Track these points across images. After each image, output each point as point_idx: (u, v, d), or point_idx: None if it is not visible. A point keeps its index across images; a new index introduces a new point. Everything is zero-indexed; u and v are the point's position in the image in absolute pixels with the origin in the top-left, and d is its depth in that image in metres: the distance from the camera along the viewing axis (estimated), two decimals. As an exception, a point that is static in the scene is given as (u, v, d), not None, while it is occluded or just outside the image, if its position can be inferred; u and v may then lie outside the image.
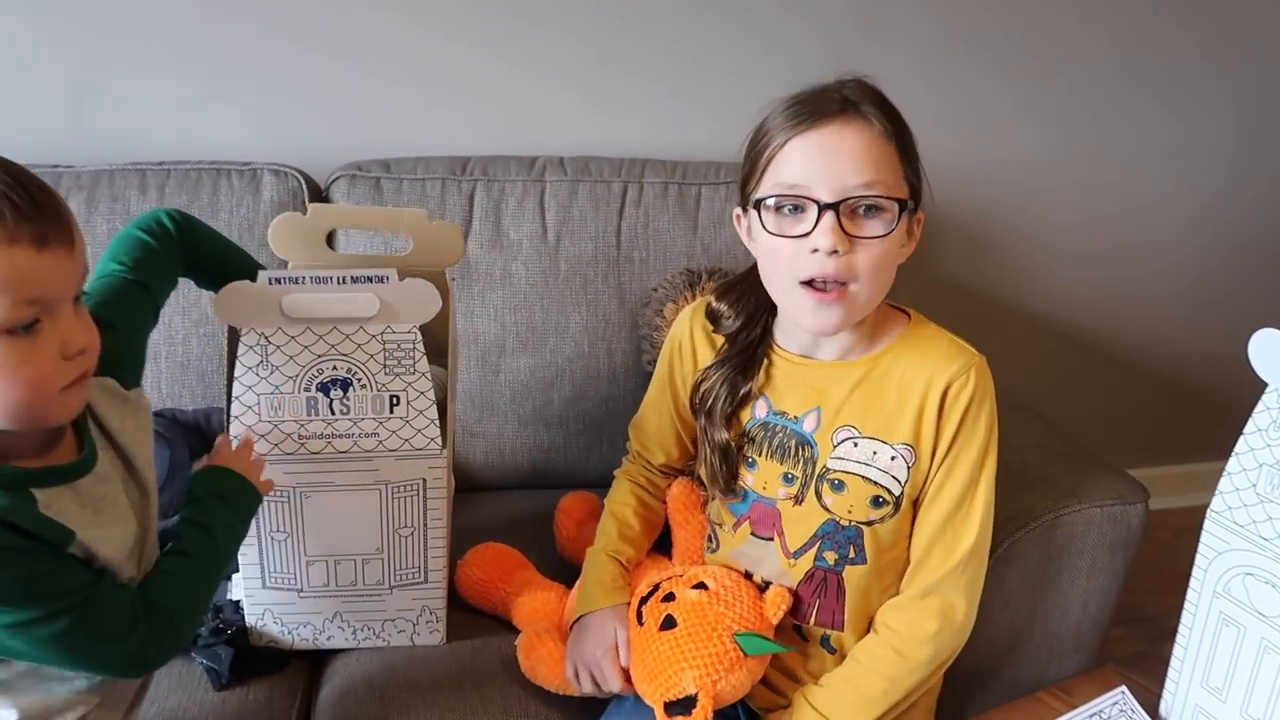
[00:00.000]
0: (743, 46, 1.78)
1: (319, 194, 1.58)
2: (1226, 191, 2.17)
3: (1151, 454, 2.25)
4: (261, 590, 1.17)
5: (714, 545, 1.15)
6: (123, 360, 0.94)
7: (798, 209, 0.97)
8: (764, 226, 0.99)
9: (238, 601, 1.21)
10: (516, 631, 1.23)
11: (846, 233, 0.95)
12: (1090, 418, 2.18)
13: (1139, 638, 1.79)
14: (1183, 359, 2.23)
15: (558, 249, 1.57)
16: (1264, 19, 2.06)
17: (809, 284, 0.98)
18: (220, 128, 1.65)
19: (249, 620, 1.19)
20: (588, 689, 1.08)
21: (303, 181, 1.56)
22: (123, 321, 0.96)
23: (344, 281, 1.07)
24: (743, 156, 1.03)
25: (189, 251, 1.08)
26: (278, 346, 1.08)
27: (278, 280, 1.07)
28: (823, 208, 0.95)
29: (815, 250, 0.96)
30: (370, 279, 1.07)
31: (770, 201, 0.98)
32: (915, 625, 1.04)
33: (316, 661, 1.25)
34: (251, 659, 1.18)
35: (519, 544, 1.43)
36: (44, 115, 1.60)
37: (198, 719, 1.11)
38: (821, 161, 0.95)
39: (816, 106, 0.97)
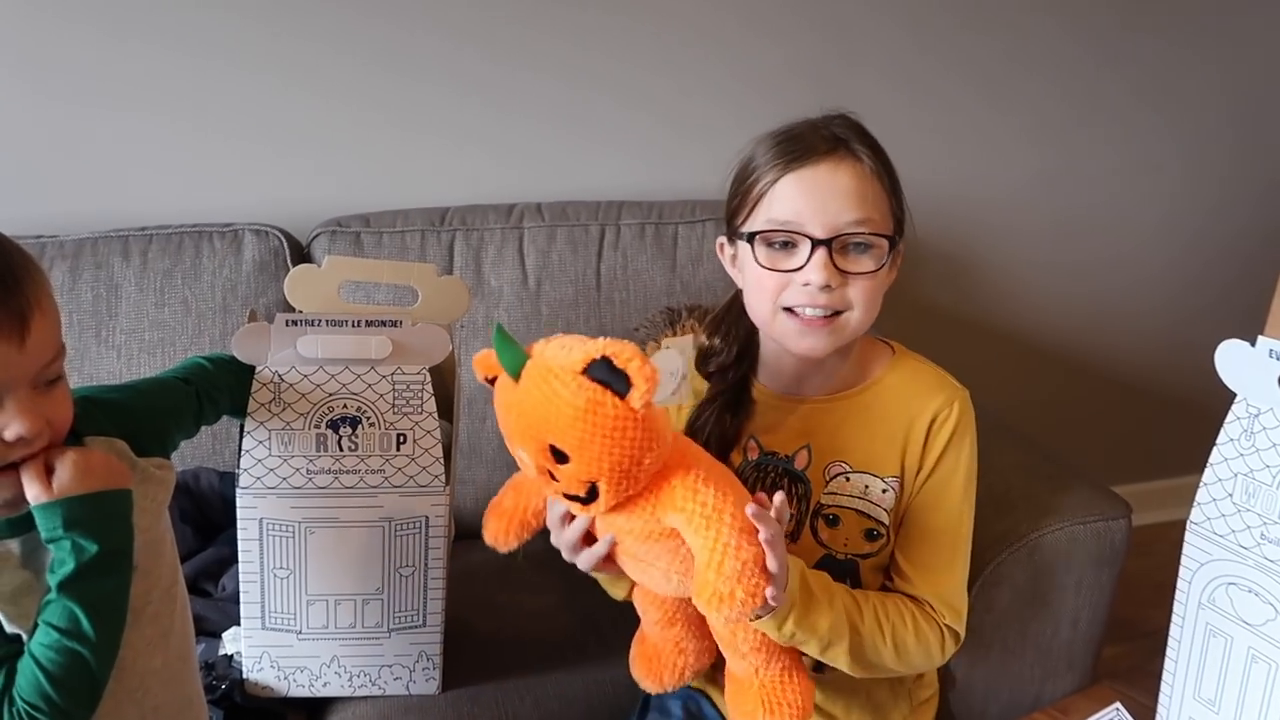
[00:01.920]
0: (718, 87, 1.80)
1: (300, 251, 1.60)
2: (1202, 206, 2.20)
3: (1145, 469, 2.26)
4: (261, 631, 1.18)
5: None
6: (135, 429, 0.93)
7: (790, 244, 0.99)
8: (756, 260, 1.01)
9: (230, 656, 1.21)
10: (514, 677, 1.24)
11: (838, 268, 0.97)
12: (1077, 435, 2.18)
13: (1141, 653, 1.79)
14: (1167, 373, 2.25)
15: (539, 294, 1.59)
16: (1244, 37, 2.11)
17: (791, 310, 1.00)
18: (200, 190, 1.67)
19: (246, 665, 1.19)
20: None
21: (284, 240, 1.58)
22: (144, 399, 0.99)
23: (359, 324, 1.12)
24: (729, 189, 1.05)
25: (239, 375, 1.12)
26: (291, 385, 1.12)
27: (295, 322, 1.11)
28: (815, 244, 0.97)
29: (807, 284, 0.98)
30: (384, 323, 1.12)
31: (763, 236, 1.00)
32: (924, 619, 1.04)
33: (313, 715, 1.24)
34: (247, 716, 1.18)
35: (516, 590, 1.43)
36: (25, 186, 1.61)
37: (194, 781, 1.10)
38: (815, 199, 0.97)
39: (807, 144, 0.99)
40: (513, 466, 1.55)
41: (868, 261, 0.99)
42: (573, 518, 0.95)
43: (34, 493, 0.82)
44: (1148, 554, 1.74)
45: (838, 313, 0.99)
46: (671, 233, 1.65)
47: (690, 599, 0.90)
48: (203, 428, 1.45)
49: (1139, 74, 2.07)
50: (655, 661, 1.05)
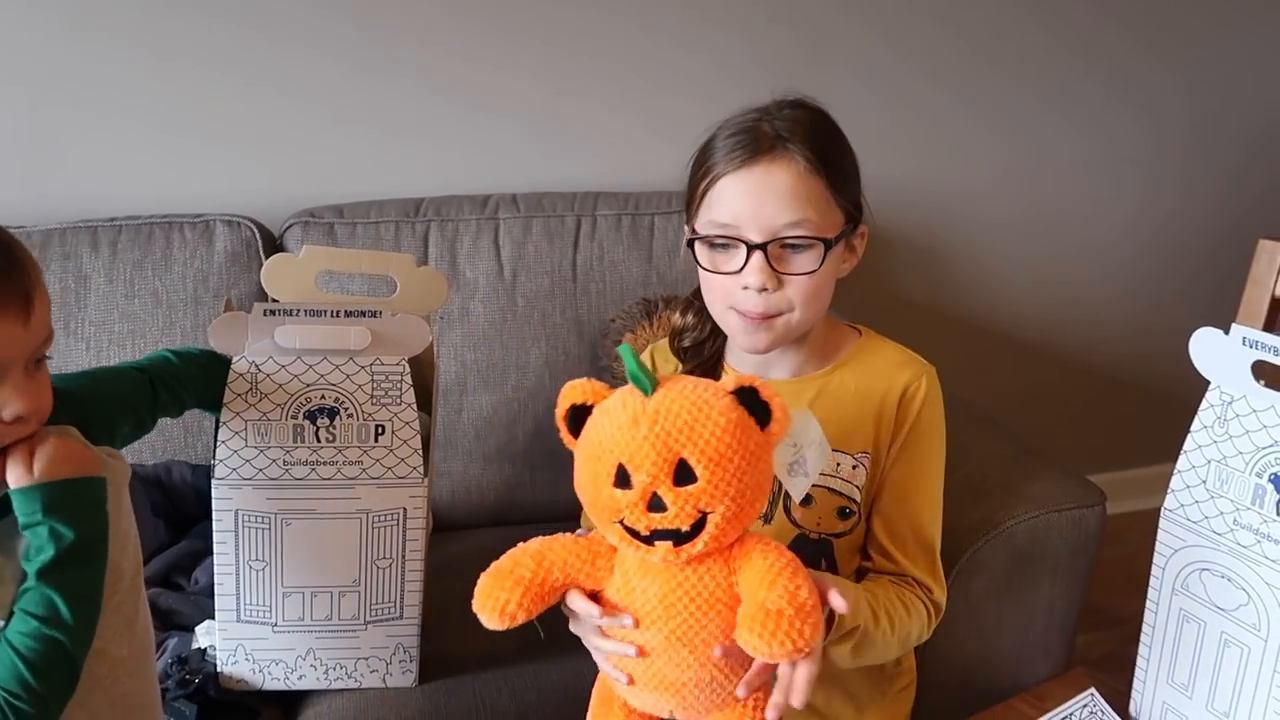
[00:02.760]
0: (692, 78, 1.80)
1: (273, 242, 1.59)
2: (1169, 198, 2.22)
3: (1117, 458, 2.28)
4: (236, 624, 1.16)
5: None
6: (84, 416, 0.93)
7: (730, 247, 1.00)
8: (698, 261, 1.03)
9: (203, 650, 1.20)
10: (490, 669, 1.23)
11: (775, 270, 0.98)
12: (1051, 425, 2.20)
13: (1115, 640, 1.81)
14: (1138, 362, 2.27)
15: (514, 285, 1.58)
16: (1212, 29, 2.13)
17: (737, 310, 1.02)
18: (170, 180, 1.65)
19: (221, 659, 1.18)
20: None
21: (256, 231, 1.56)
22: (92, 386, 0.98)
23: (337, 315, 1.11)
24: (687, 176, 1.05)
25: (208, 369, 1.11)
26: (268, 375, 1.11)
27: (273, 312, 1.10)
28: (751, 248, 0.98)
29: (745, 287, 0.99)
30: (364, 313, 1.11)
31: (703, 239, 1.02)
32: (912, 599, 1.05)
33: (288, 709, 1.23)
34: (221, 710, 1.17)
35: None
36: (-7, 176, 1.59)
37: (167, 776, 1.09)
38: (750, 202, 0.98)
39: (749, 141, 0.99)
40: (490, 458, 1.58)
41: (805, 262, 0.99)
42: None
43: (16, 475, 0.83)
44: (1121, 543, 1.76)
45: (779, 313, 1.01)
46: (648, 224, 1.64)
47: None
48: (173, 420, 1.46)
49: (1107, 69, 2.09)
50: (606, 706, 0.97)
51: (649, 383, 0.82)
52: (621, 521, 0.82)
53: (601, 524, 0.85)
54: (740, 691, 0.86)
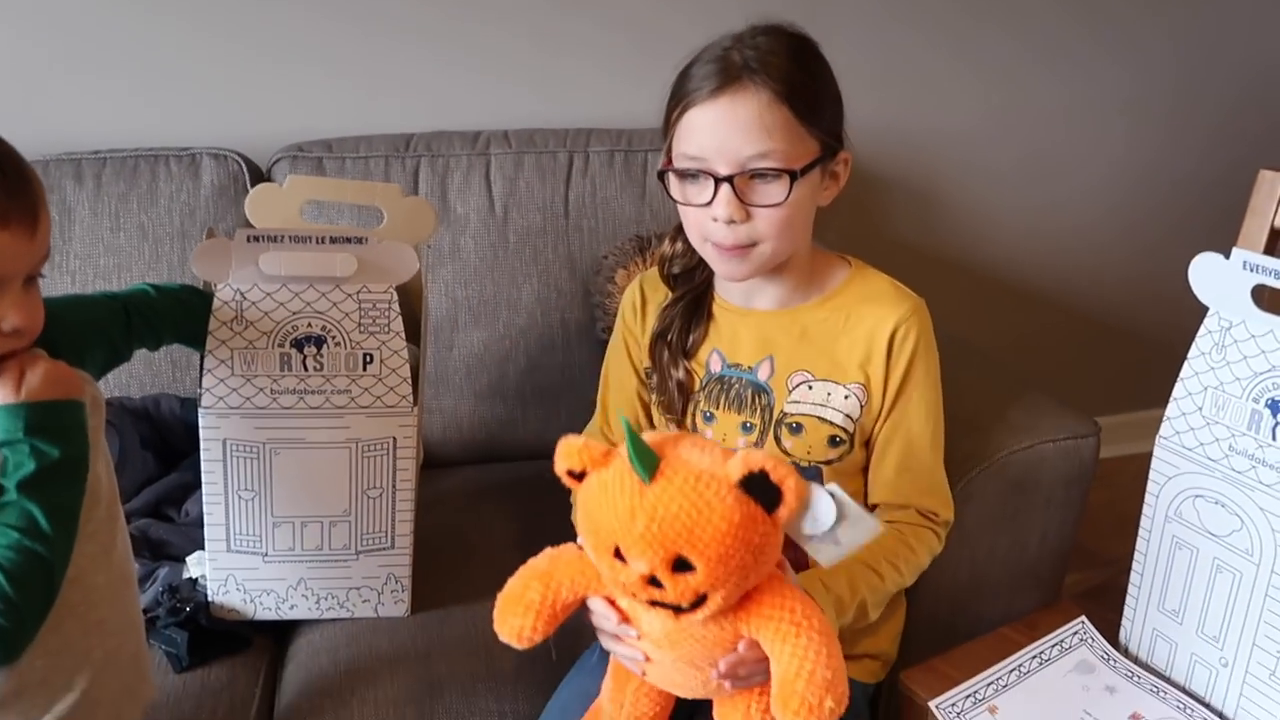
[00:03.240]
0: (688, 15, 1.77)
1: (260, 176, 1.56)
2: (1159, 136, 2.21)
3: (1107, 402, 2.28)
4: (226, 554, 1.16)
5: None
6: (50, 338, 0.92)
7: (700, 179, 1.00)
8: (669, 193, 1.04)
9: (194, 579, 1.20)
10: (483, 600, 1.22)
11: (743, 202, 0.98)
12: (1043, 368, 2.20)
13: (1102, 578, 1.82)
14: (1130, 305, 2.27)
15: (506, 221, 1.57)
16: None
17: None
18: (157, 114, 1.62)
19: (211, 589, 1.18)
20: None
21: (243, 164, 1.54)
22: (61, 310, 0.95)
23: (323, 241, 1.09)
24: (665, 104, 1.04)
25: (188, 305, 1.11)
26: (253, 303, 1.10)
27: (256, 238, 1.08)
28: (719, 180, 0.98)
29: (715, 219, 0.99)
30: (349, 240, 1.09)
31: (674, 171, 1.02)
32: (918, 533, 1.08)
33: (280, 639, 1.23)
34: (213, 639, 1.16)
35: (484, 516, 1.43)
36: (-27, 107, 1.56)
37: (158, 703, 1.08)
38: (716, 135, 0.98)
39: (718, 70, 0.98)
40: (481, 395, 1.57)
41: (774, 193, 0.98)
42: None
43: (4, 393, 0.82)
44: (1110, 486, 1.76)
45: (751, 244, 1.01)
46: (641, 160, 1.62)
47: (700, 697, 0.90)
48: (161, 354, 1.45)
49: (1094, 11, 2.06)
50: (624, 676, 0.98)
51: (646, 470, 0.78)
52: (623, 584, 0.82)
53: (606, 580, 0.86)
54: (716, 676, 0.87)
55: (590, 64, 1.77)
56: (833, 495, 0.82)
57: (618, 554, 0.80)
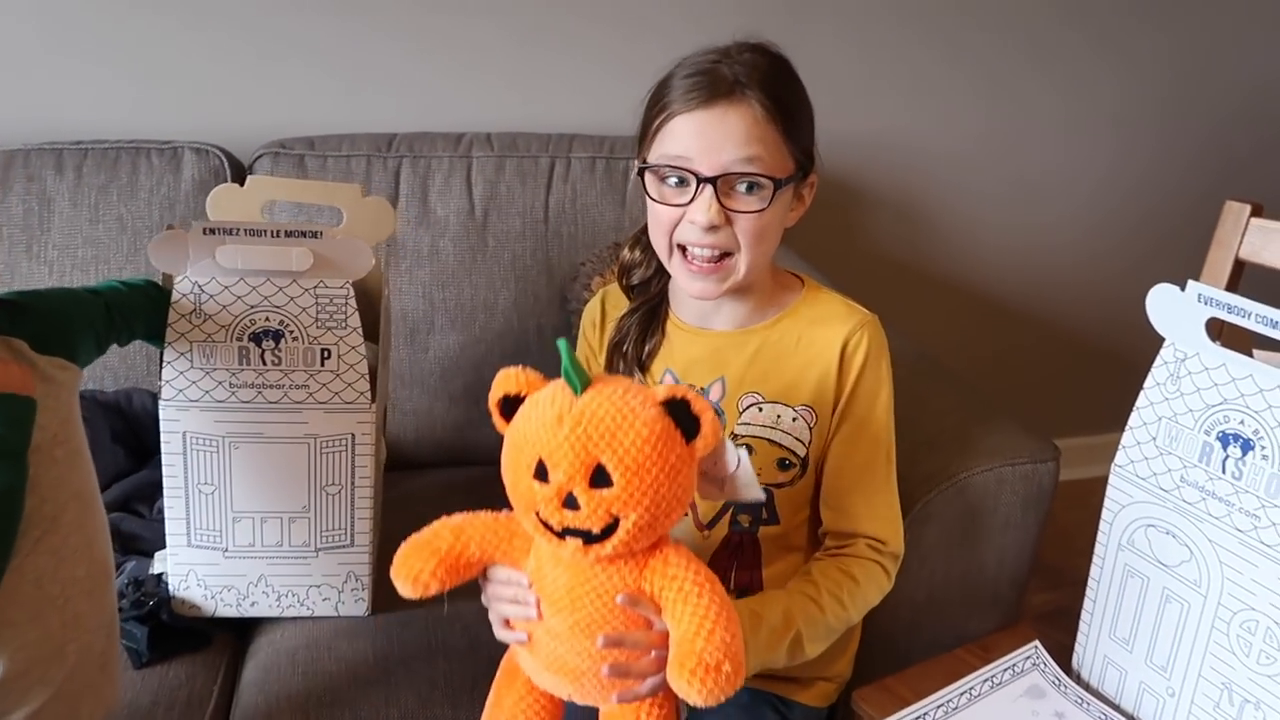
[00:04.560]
0: (668, 20, 1.78)
1: (242, 172, 1.57)
2: (1144, 159, 2.21)
3: (1087, 423, 2.29)
4: (186, 549, 1.17)
5: None
6: (36, 330, 0.92)
7: (682, 181, 1.00)
8: (646, 191, 1.03)
9: (160, 575, 1.20)
10: (441, 603, 1.24)
11: (725, 207, 0.98)
12: (1023, 387, 2.22)
13: (1070, 599, 1.83)
14: (1111, 326, 2.27)
15: (485, 225, 1.57)
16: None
17: (684, 251, 1.02)
18: (140, 106, 1.63)
19: (173, 583, 1.19)
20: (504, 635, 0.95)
21: (225, 160, 1.54)
22: (45, 302, 0.97)
23: (278, 235, 1.10)
24: (642, 111, 1.04)
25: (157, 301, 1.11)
26: (211, 295, 1.11)
27: (213, 231, 1.09)
28: (702, 181, 0.98)
29: (694, 222, 0.99)
30: (305, 234, 1.10)
31: (654, 170, 1.01)
32: (865, 567, 1.06)
33: (242, 635, 1.24)
34: (174, 635, 1.17)
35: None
36: (-44, 95, 1.57)
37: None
38: (705, 139, 0.98)
39: (708, 83, 0.98)
40: (455, 398, 1.58)
41: (754, 201, 0.99)
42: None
43: None
44: (1084, 506, 1.77)
45: (726, 255, 1.01)
46: (622, 168, 1.63)
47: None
48: (134, 348, 1.45)
49: (1089, 26, 2.06)
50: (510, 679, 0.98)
51: (580, 382, 0.82)
52: (537, 513, 0.83)
53: (519, 512, 0.86)
54: (606, 671, 0.87)
55: (576, 68, 1.78)
56: (739, 451, 0.89)
57: (539, 475, 0.81)
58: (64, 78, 1.59)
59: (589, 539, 0.82)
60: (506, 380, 0.87)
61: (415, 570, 0.89)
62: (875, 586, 1.06)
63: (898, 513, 1.08)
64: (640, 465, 0.80)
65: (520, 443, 0.84)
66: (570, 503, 0.81)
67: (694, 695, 0.80)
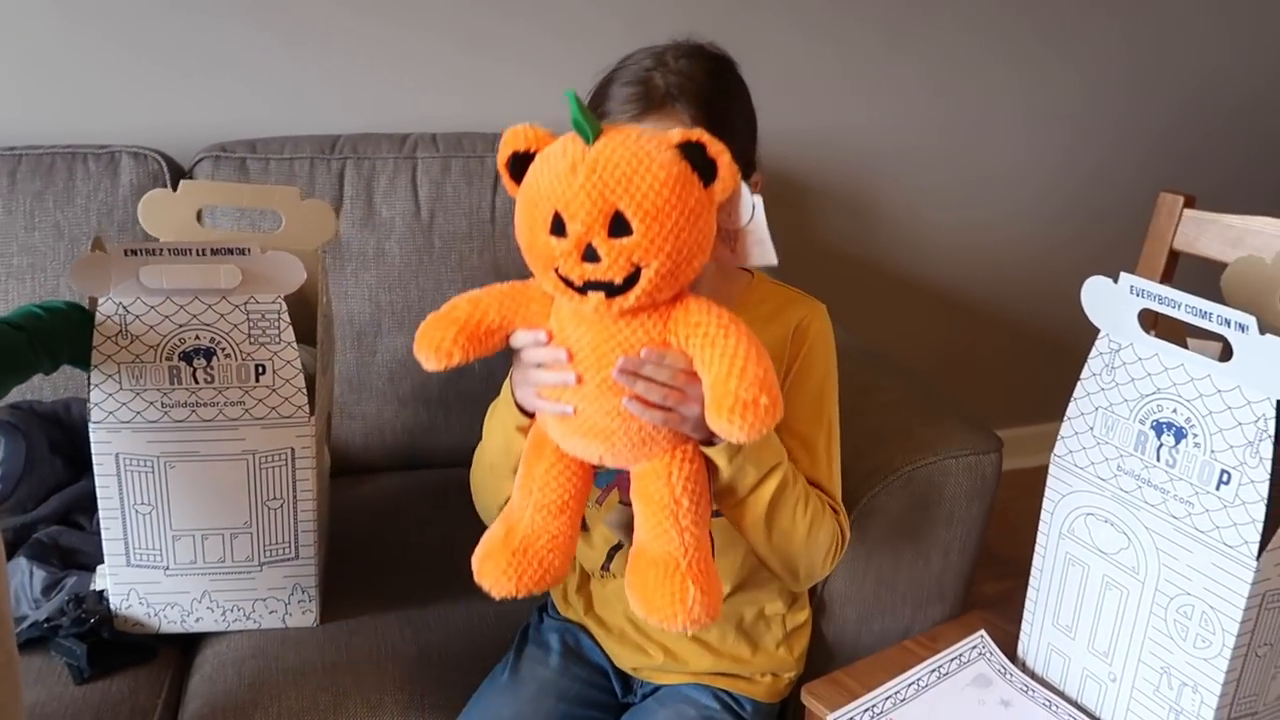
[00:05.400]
0: (611, 20, 1.78)
1: (181, 176, 1.54)
2: (1098, 153, 2.24)
3: (1041, 412, 2.31)
4: (126, 568, 1.15)
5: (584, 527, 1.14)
6: None
7: None
8: None
9: (101, 591, 1.18)
10: (394, 610, 1.23)
11: None
12: (976, 379, 2.24)
13: (1020, 588, 1.86)
14: (1064, 318, 2.28)
15: (431, 226, 1.56)
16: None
17: None
18: (77, 111, 1.60)
19: (114, 603, 1.17)
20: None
21: (163, 164, 1.52)
22: None
23: (204, 253, 1.07)
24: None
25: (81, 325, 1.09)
26: (137, 316, 1.08)
27: (134, 251, 1.06)
28: None
29: None
30: (231, 251, 1.07)
31: None
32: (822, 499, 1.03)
33: (186, 649, 1.22)
34: (116, 650, 1.15)
35: (403, 523, 1.43)
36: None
37: (56, 714, 1.08)
38: None
39: (641, 95, 0.97)
40: (404, 401, 1.56)
41: None
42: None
43: None
44: (1035, 495, 1.80)
45: None
46: (569, 167, 1.62)
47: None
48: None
49: (1037, 25, 2.09)
50: (520, 557, 0.92)
51: (591, 131, 0.80)
52: (556, 270, 0.81)
53: (538, 271, 0.84)
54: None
55: (519, 67, 1.77)
56: (755, 198, 0.86)
57: (555, 230, 0.80)
58: (-4, 82, 1.56)
59: (611, 291, 0.81)
60: (515, 138, 0.85)
61: (436, 340, 0.87)
62: (828, 530, 1.02)
63: (838, 479, 1.06)
64: (660, 210, 0.79)
65: (534, 198, 0.82)
66: (590, 255, 0.79)
67: (736, 433, 0.80)
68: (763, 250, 0.88)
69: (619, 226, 0.79)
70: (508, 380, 1.00)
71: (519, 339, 0.89)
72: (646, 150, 0.79)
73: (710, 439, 0.90)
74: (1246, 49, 2.29)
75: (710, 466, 0.93)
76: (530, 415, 0.95)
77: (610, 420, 0.86)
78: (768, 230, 0.87)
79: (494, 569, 0.92)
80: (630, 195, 0.78)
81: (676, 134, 0.81)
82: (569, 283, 0.81)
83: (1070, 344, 2.26)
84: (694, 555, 0.88)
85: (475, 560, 0.94)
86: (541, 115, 1.72)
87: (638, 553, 0.91)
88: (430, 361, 0.88)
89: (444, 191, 1.57)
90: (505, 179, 0.86)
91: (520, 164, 0.85)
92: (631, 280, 0.80)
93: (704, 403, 0.82)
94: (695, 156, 0.80)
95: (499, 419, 1.01)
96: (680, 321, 0.84)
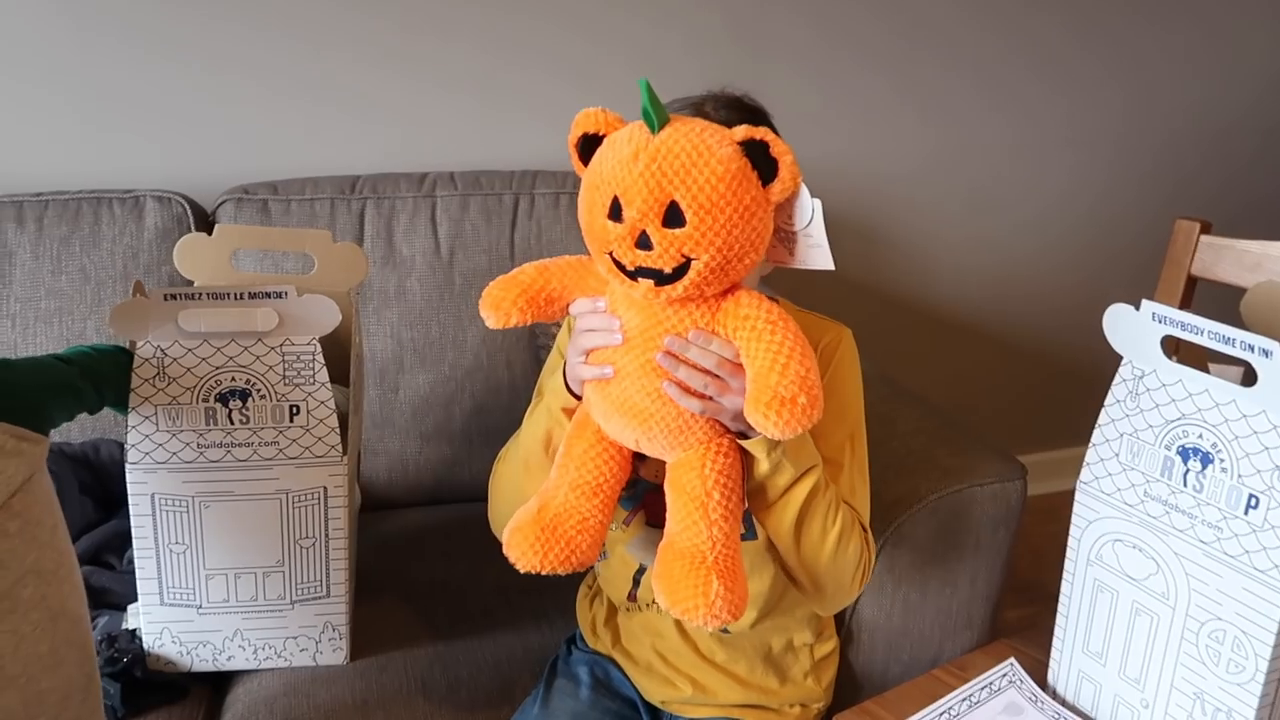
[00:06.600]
0: (624, 59, 1.80)
1: (205, 219, 1.57)
2: (1097, 180, 2.26)
3: (1059, 436, 2.32)
4: (160, 607, 1.16)
5: (604, 553, 1.15)
6: (13, 407, 0.91)
7: None
8: None
9: (134, 631, 1.19)
10: (423, 645, 1.24)
11: None
12: (989, 405, 2.24)
13: (1048, 614, 1.85)
14: (1074, 342, 2.31)
15: (451, 263, 1.58)
16: (1136, 20, 2.17)
17: None
18: (100, 156, 1.62)
19: (147, 641, 1.17)
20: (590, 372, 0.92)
21: (187, 207, 1.54)
22: (13, 374, 0.96)
23: (241, 297, 1.09)
24: None
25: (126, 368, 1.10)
26: (174, 359, 1.10)
27: (173, 296, 1.08)
28: None
29: None
30: (269, 294, 1.09)
31: None
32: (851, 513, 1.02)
33: (217, 688, 1.23)
34: (149, 689, 1.16)
35: (428, 559, 1.43)
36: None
37: (91, 756, 1.08)
38: None
39: None
40: (428, 437, 1.58)
41: None
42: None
43: None
44: (1056, 520, 1.80)
45: None
46: (586, 202, 1.64)
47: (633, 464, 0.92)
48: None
49: (1038, 54, 2.11)
50: (549, 533, 0.92)
51: (658, 120, 0.82)
52: (611, 253, 0.84)
53: (594, 252, 0.87)
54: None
55: (538, 106, 1.79)
56: (815, 201, 0.86)
57: (613, 214, 0.82)
58: (21, 128, 1.59)
59: (660, 279, 0.83)
60: (586, 120, 0.87)
61: (498, 299, 0.91)
62: (856, 543, 1.01)
63: (867, 502, 1.06)
64: (714, 204, 0.80)
65: (597, 181, 0.84)
66: (643, 242, 0.81)
67: (771, 428, 0.81)
68: (820, 254, 0.89)
69: (673, 217, 0.81)
70: (542, 375, 1.03)
71: (578, 306, 0.92)
72: (708, 144, 0.81)
73: (747, 433, 0.91)
74: (1243, 72, 2.32)
75: (746, 466, 0.94)
76: (577, 398, 0.96)
77: (650, 402, 0.88)
78: (826, 235, 0.88)
79: (521, 541, 0.93)
80: (686, 187, 0.80)
81: (741, 130, 0.82)
82: (621, 266, 0.84)
83: (1081, 368, 2.29)
84: (721, 550, 0.89)
85: (505, 532, 0.95)
86: (560, 152, 1.76)
87: (666, 545, 0.92)
88: (491, 319, 0.92)
89: (463, 229, 1.59)
90: (574, 159, 0.88)
91: (589, 145, 0.87)
92: (681, 270, 0.82)
93: (745, 395, 0.84)
94: (756, 154, 0.82)
95: (543, 408, 1.03)
96: (730, 314, 0.86)
